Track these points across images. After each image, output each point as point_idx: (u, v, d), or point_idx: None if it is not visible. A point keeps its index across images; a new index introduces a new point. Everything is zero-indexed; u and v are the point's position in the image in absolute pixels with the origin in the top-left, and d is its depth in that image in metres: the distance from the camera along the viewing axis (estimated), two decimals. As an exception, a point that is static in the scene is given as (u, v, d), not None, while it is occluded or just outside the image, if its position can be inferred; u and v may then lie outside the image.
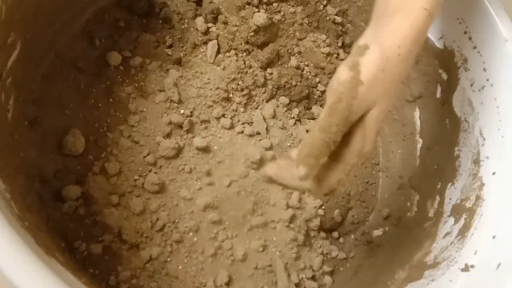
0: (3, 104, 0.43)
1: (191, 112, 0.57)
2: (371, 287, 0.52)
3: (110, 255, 0.48)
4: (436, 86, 0.54)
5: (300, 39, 0.64)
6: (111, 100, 0.56)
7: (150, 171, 0.53)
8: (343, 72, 0.36)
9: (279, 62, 0.63)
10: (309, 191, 0.41)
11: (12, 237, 0.31)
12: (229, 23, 0.61)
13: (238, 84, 0.60)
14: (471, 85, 0.49)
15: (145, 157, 0.54)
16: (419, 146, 0.58)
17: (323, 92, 0.65)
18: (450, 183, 0.50)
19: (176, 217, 0.52)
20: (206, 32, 0.61)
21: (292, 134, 0.61)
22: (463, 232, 0.45)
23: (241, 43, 0.61)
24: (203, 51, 0.61)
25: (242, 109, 0.60)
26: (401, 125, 0.61)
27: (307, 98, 0.64)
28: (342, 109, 0.35)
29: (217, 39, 0.61)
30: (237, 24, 0.60)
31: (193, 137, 0.56)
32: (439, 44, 0.53)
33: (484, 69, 0.48)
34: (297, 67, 0.63)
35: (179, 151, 0.55)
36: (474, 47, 0.49)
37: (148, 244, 0.50)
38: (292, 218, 0.56)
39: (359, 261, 0.57)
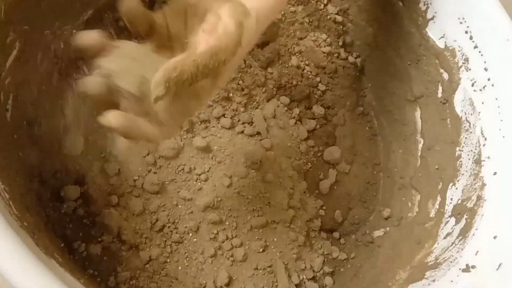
0: (2, 104, 0.43)
1: (191, 112, 0.57)
2: (372, 288, 0.52)
3: (110, 256, 0.48)
4: (437, 86, 0.54)
5: (301, 38, 0.64)
6: (110, 100, 0.56)
7: (149, 171, 0.53)
8: (231, 25, 0.36)
9: (280, 62, 0.63)
10: (154, 139, 0.37)
11: (11, 237, 0.31)
12: (229, 23, 0.60)
13: (238, 84, 0.59)
14: (472, 85, 0.49)
15: (144, 157, 0.54)
16: (420, 146, 0.58)
17: (324, 91, 0.64)
18: (451, 183, 0.50)
19: (176, 217, 0.52)
20: (206, 31, 0.61)
21: (292, 134, 0.61)
22: (464, 233, 0.45)
23: (241, 43, 0.60)
24: (203, 51, 0.60)
25: (242, 109, 0.60)
26: (402, 125, 0.61)
27: (308, 97, 0.64)
28: (220, 59, 0.35)
29: (217, 38, 0.61)
30: (237, 23, 0.60)
31: (193, 137, 0.56)
32: (440, 44, 0.53)
33: (485, 69, 0.48)
34: (298, 67, 0.63)
35: (178, 151, 0.55)
36: (475, 47, 0.49)
37: (147, 244, 0.50)
38: (293, 219, 0.56)
39: (360, 262, 0.57)
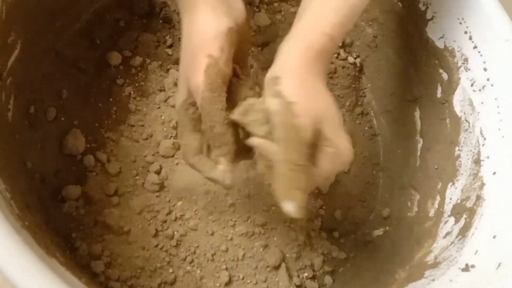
0: (4, 104, 0.43)
1: (191, 112, 0.57)
2: (372, 287, 0.52)
3: (110, 255, 0.48)
4: (436, 86, 0.54)
5: (301, 39, 0.64)
6: (111, 100, 0.56)
7: (150, 170, 0.53)
8: (271, 104, 0.36)
9: (280, 62, 0.63)
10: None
11: (12, 236, 0.31)
12: (229, 23, 0.60)
13: (239, 84, 0.59)
14: (472, 85, 0.49)
15: (145, 156, 0.54)
16: (419, 146, 0.58)
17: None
18: (451, 183, 0.50)
19: (176, 216, 0.52)
20: (207, 32, 0.61)
21: (292, 134, 0.61)
22: (463, 232, 0.45)
23: (242, 43, 0.61)
24: (204, 51, 0.61)
25: (242, 109, 0.60)
26: (401, 125, 0.61)
27: (308, 98, 0.64)
28: (291, 134, 0.35)
29: (217, 39, 0.61)
30: (238, 24, 0.60)
31: (193, 137, 0.56)
32: (439, 44, 0.53)
33: (485, 69, 0.48)
34: (298, 67, 0.63)
35: (179, 150, 0.55)
36: (475, 47, 0.49)
37: (148, 244, 0.50)
38: (293, 218, 0.56)
39: (359, 261, 0.57)
